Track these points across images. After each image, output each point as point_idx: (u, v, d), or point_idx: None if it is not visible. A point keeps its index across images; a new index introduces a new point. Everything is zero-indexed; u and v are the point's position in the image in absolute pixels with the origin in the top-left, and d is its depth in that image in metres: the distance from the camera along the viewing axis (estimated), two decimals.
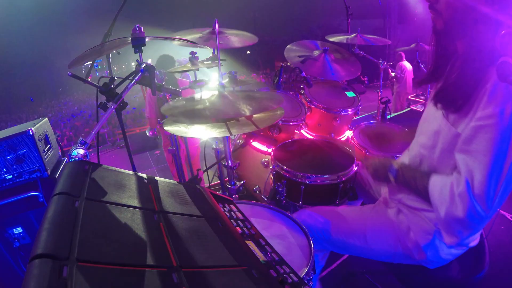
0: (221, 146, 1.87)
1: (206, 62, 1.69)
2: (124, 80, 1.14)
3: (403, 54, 5.75)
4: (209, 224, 0.78)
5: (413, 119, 2.24)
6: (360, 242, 1.19)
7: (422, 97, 6.03)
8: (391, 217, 1.17)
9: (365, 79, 3.14)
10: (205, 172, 1.99)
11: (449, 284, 1.08)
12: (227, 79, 1.85)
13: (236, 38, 2.04)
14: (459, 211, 0.87)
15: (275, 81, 2.09)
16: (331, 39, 2.49)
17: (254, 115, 1.31)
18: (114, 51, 1.27)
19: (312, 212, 1.31)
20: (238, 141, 2.11)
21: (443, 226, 1.03)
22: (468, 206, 0.85)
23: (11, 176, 1.64)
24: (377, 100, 3.05)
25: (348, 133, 2.23)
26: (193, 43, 1.36)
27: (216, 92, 1.23)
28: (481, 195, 0.84)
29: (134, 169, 1.85)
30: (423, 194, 0.99)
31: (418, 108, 5.04)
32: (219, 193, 1.14)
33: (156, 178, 0.90)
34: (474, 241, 1.10)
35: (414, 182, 1.03)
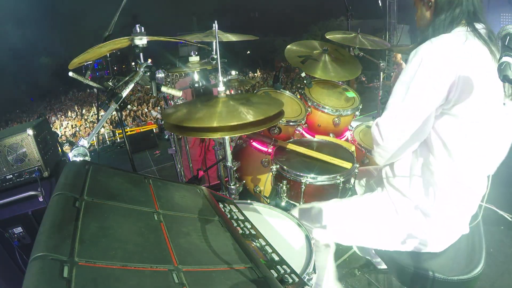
0: (221, 146, 1.87)
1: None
2: (124, 80, 1.14)
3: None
4: (209, 224, 0.79)
5: None
6: (365, 232, 1.23)
7: None
8: (390, 207, 1.21)
9: (365, 79, 3.14)
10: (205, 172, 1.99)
11: (448, 283, 1.09)
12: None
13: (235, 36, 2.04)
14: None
15: (275, 81, 2.10)
16: (329, 36, 2.47)
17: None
18: (114, 51, 1.27)
19: (317, 208, 1.32)
20: (238, 141, 2.11)
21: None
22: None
23: (11, 176, 1.64)
24: (377, 100, 3.05)
25: (348, 133, 2.23)
26: (193, 43, 1.36)
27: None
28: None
29: (134, 169, 1.85)
30: None
31: None
32: (219, 193, 1.14)
33: (157, 178, 0.90)
34: (464, 227, 1.16)
35: None
